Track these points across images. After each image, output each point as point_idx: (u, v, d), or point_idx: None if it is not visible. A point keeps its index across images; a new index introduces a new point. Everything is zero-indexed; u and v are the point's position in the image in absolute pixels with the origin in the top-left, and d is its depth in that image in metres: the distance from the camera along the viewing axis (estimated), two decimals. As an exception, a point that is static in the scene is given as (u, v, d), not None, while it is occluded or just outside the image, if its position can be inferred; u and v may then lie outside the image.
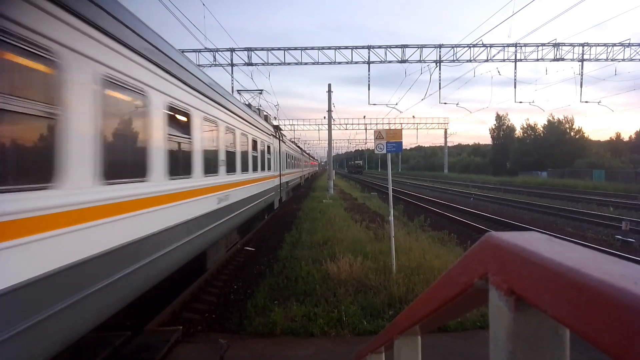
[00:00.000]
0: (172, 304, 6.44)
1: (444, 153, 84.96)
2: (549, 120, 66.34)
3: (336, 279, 7.33)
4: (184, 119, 5.73)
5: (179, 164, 5.48)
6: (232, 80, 28.11)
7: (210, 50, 28.85)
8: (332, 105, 28.58)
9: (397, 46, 30.72)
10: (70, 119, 3.02)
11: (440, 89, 32.71)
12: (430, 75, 31.25)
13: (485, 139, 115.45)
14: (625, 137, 79.18)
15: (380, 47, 30.83)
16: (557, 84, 62.44)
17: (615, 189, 32.96)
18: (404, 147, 8.34)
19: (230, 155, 8.31)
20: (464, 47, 30.34)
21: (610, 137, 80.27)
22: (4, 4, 2.47)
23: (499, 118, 77.01)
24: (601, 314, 0.51)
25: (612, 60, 30.22)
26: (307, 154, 51.89)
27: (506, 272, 0.76)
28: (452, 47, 30.60)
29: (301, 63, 30.40)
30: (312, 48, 30.37)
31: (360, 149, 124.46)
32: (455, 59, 30.75)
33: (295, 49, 30.25)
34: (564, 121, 65.45)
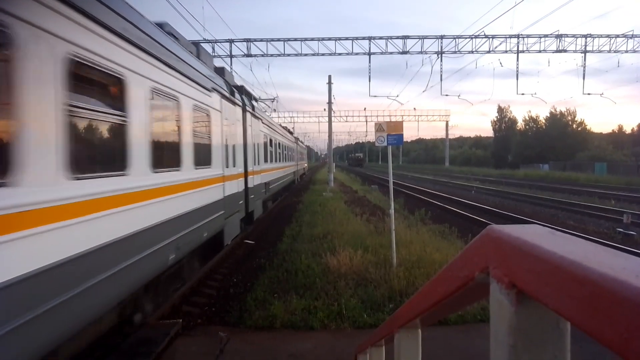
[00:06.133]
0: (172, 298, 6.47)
1: (445, 146, 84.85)
2: (551, 113, 66.12)
3: (336, 273, 7.35)
4: None
5: None
6: (231, 72, 27.91)
7: (208, 41, 28.57)
8: (332, 97, 28.50)
9: (398, 37, 30.52)
10: None
11: (441, 80, 32.67)
12: (432, 67, 31.13)
13: (487, 131, 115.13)
14: (628, 129, 79.28)
15: (381, 38, 30.65)
16: (560, 76, 62.64)
17: (617, 182, 32.92)
18: (405, 140, 8.29)
19: None
20: (466, 38, 30.14)
21: (613, 130, 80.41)
22: None
23: (500, 110, 76.79)
24: (603, 308, 0.50)
25: (615, 51, 30.04)
26: (302, 143, 44.07)
27: (507, 266, 0.76)
28: (454, 38, 30.41)
29: (301, 54, 30.22)
30: (312, 39, 30.17)
31: (361, 142, 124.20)
32: (457, 50, 30.57)
33: (295, 40, 30.06)
34: (566, 113, 65.23)
